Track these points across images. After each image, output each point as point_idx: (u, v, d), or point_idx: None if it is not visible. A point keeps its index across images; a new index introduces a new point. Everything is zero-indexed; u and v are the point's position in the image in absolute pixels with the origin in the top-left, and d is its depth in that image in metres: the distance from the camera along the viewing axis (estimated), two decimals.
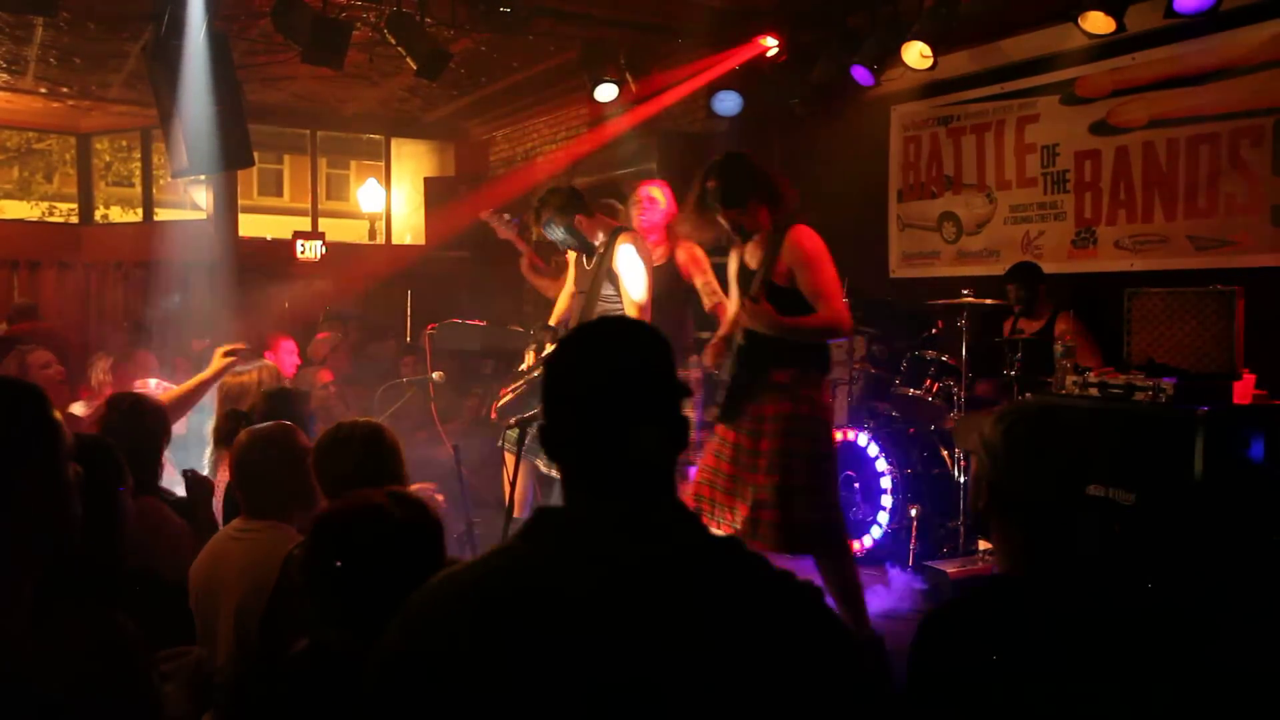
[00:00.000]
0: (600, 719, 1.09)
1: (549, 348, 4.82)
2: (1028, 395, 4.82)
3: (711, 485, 3.86)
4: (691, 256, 4.97)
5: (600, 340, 1.31)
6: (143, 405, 3.28)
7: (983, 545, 4.95)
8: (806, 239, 3.72)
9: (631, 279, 4.56)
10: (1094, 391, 4.06)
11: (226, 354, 4.06)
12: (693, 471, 4.03)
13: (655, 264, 4.92)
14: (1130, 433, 3.85)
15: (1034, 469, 1.83)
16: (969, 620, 1.77)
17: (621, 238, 4.63)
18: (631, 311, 4.56)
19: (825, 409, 3.82)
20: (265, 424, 2.84)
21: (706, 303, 4.96)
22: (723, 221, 3.84)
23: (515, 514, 4.37)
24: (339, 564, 1.75)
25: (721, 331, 4.06)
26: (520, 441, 3.79)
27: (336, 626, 1.74)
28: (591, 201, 4.92)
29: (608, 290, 4.66)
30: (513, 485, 3.79)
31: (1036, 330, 5.29)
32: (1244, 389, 3.88)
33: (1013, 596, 1.79)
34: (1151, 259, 5.36)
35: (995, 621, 1.73)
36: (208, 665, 2.41)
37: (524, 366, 4.98)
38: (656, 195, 4.99)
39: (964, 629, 1.75)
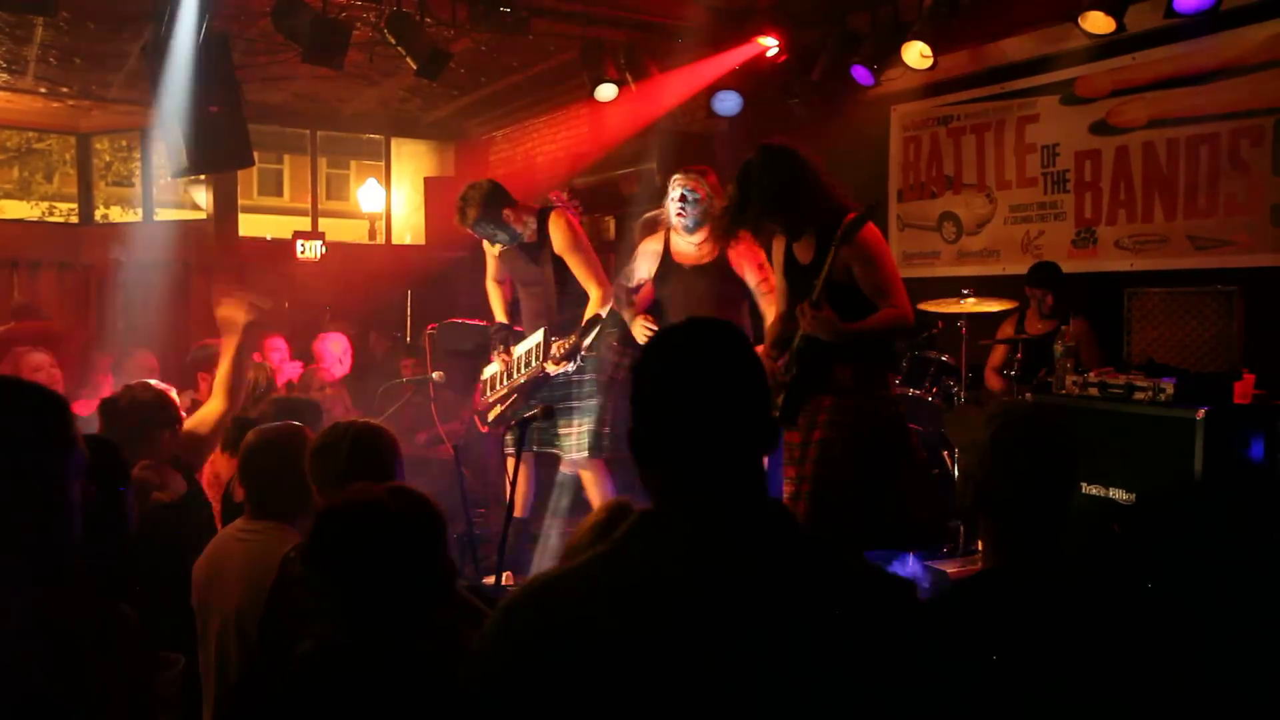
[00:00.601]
0: (715, 716, 1.11)
1: (514, 347, 4.81)
2: (1028, 395, 4.82)
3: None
4: (746, 246, 4.42)
5: (689, 344, 1.30)
6: (132, 399, 3.17)
7: (982, 545, 4.94)
8: (865, 231, 3.37)
9: (580, 250, 4.53)
10: (1094, 391, 4.06)
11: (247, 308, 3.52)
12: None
13: (703, 262, 4.50)
14: (1130, 433, 3.85)
15: (1018, 470, 1.84)
16: (953, 616, 1.78)
17: (551, 218, 4.59)
18: (590, 284, 4.51)
19: (891, 403, 3.51)
20: (273, 424, 2.83)
21: (762, 306, 4.39)
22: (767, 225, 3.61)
23: (515, 514, 4.36)
24: (340, 559, 1.73)
25: (768, 341, 3.69)
26: (520, 442, 3.77)
27: (339, 623, 1.73)
28: (634, 208, 4.73)
29: (561, 274, 4.59)
30: (513, 485, 3.78)
31: (1046, 331, 5.20)
32: (1244, 389, 3.88)
33: (997, 592, 1.80)
34: (1151, 259, 5.36)
35: (979, 617, 1.75)
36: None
37: (493, 373, 4.93)
38: (697, 185, 4.45)
39: (948, 625, 1.76)
